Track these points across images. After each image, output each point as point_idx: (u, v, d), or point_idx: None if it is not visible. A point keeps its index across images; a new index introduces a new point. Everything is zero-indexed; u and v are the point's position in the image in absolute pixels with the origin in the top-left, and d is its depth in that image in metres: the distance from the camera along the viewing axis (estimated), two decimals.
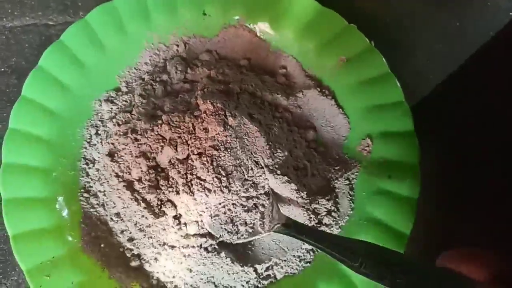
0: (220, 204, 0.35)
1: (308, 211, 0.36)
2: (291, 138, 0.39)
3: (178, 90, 0.40)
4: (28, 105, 0.37)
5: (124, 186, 0.36)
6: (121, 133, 0.37)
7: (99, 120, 0.39)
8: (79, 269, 0.34)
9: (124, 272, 0.35)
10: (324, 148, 0.40)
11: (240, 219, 0.34)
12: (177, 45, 0.42)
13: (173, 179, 0.35)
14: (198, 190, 0.34)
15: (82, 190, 0.37)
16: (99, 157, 0.38)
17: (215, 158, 0.34)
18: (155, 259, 0.35)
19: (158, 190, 0.35)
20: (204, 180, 0.34)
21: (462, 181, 0.39)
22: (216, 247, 0.36)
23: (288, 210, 0.37)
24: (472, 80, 0.44)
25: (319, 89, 0.41)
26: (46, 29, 0.45)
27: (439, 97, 0.44)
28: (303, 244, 0.36)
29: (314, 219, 0.36)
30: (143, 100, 0.39)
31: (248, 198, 0.35)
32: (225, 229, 0.34)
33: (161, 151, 0.36)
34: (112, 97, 0.40)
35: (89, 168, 0.38)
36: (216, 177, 0.34)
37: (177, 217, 0.35)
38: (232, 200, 0.34)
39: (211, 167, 0.34)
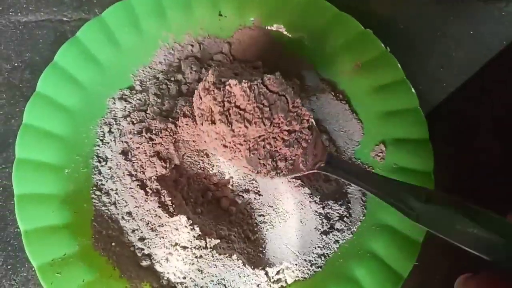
0: (259, 137, 0.32)
1: (321, 216, 0.36)
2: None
3: (192, 90, 0.40)
4: (43, 101, 0.37)
5: (138, 185, 0.35)
6: (136, 132, 0.37)
7: (113, 118, 0.39)
8: (90, 267, 0.34)
9: (134, 272, 0.35)
10: (336, 153, 0.40)
11: (280, 155, 0.32)
12: (192, 45, 0.42)
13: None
14: (236, 120, 0.31)
15: (94, 188, 0.37)
16: (112, 155, 0.38)
17: (257, 86, 0.32)
18: (166, 259, 0.35)
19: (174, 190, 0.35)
20: (244, 110, 0.31)
21: (477, 189, 0.38)
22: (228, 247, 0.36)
23: (300, 213, 0.37)
24: (486, 87, 0.44)
25: (333, 93, 0.41)
26: (61, 25, 0.45)
27: (453, 104, 0.44)
28: (315, 248, 0.36)
29: (326, 223, 0.36)
30: (158, 99, 0.39)
31: (290, 132, 0.32)
32: (263, 164, 0.32)
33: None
34: (126, 95, 0.40)
35: (102, 166, 0.38)
36: (257, 106, 0.31)
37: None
38: (273, 133, 0.32)
39: (252, 95, 0.31)
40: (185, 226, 0.34)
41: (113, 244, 0.36)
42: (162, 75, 0.41)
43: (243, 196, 0.38)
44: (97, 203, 0.37)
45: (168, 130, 0.37)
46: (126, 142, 0.37)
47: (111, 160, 0.38)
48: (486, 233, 0.24)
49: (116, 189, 0.37)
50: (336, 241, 0.37)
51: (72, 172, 0.37)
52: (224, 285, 0.35)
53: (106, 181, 0.37)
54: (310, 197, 0.36)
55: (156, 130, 0.37)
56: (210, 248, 0.35)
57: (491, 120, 0.43)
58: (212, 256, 0.35)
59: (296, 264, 0.36)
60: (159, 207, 0.35)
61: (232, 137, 0.32)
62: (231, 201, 0.38)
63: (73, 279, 0.33)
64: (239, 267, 0.35)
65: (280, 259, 0.36)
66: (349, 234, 0.37)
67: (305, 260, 0.36)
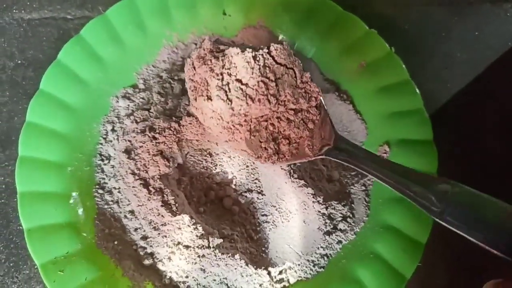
0: (262, 117, 0.28)
1: (324, 216, 0.36)
2: None
3: None
4: (46, 99, 0.37)
5: (140, 184, 0.35)
6: (139, 131, 0.37)
7: (116, 117, 0.39)
8: (93, 265, 0.34)
9: (136, 270, 0.35)
10: None
11: (283, 137, 0.29)
12: (196, 44, 0.42)
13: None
14: (237, 97, 0.27)
15: (97, 186, 0.37)
16: (115, 154, 0.38)
17: (262, 56, 0.27)
18: (169, 258, 0.35)
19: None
20: (246, 85, 0.27)
21: (482, 190, 0.38)
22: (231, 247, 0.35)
23: (303, 213, 0.37)
24: (491, 88, 0.44)
25: (337, 94, 0.41)
26: (64, 23, 0.45)
27: (457, 105, 0.43)
28: (318, 249, 0.36)
29: (329, 224, 0.36)
30: (161, 98, 0.39)
31: (296, 111, 0.28)
32: (265, 147, 0.28)
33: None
34: (129, 93, 0.40)
35: (105, 164, 0.38)
36: (262, 81, 0.27)
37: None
38: (278, 112, 0.28)
39: (257, 67, 0.27)
40: (188, 225, 0.34)
41: (115, 242, 0.36)
42: (166, 74, 0.41)
43: (246, 196, 0.38)
44: (99, 201, 0.37)
45: (172, 129, 0.37)
46: (129, 141, 0.37)
47: (114, 158, 0.38)
48: None
49: (119, 188, 0.37)
50: (339, 242, 0.37)
51: (75, 170, 0.37)
52: (227, 284, 0.35)
53: (109, 180, 0.37)
54: (313, 197, 0.36)
55: (160, 129, 0.37)
56: (213, 247, 0.35)
57: (496, 120, 0.43)
58: (215, 256, 0.34)
59: (298, 264, 0.36)
60: (162, 206, 0.35)
61: (231, 116, 0.28)
62: (234, 200, 0.38)
63: (76, 277, 0.33)
64: (241, 266, 0.35)
65: (282, 259, 0.36)
66: (352, 235, 0.37)
67: (308, 260, 0.36)
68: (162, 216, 0.35)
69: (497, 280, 0.24)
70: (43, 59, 0.43)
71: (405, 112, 0.39)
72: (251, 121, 0.28)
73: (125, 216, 0.36)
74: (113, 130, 0.39)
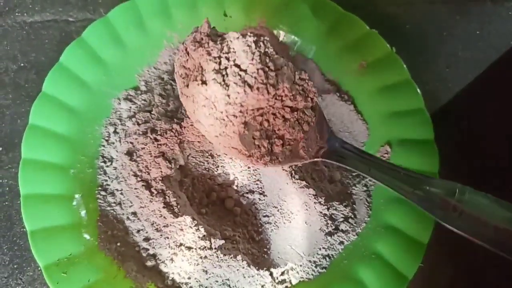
0: (258, 110, 0.26)
1: (325, 217, 0.36)
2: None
3: None
4: (48, 101, 0.37)
5: (143, 185, 0.36)
6: (141, 133, 0.37)
7: (118, 119, 0.39)
8: (95, 267, 0.34)
9: (139, 272, 0.35)
10: None
11: (278, 137, 0.27)
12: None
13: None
14: (235, 82, 0.25)
15: (99, 188, 0.37)
16: (117, 156, 0.38)
17: (263, 43, 0.26)
18: (171, 259, 0.35)
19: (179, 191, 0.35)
20: (245, 71, 0.25)
21: (483, 190, 0.38)
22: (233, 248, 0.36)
23: (305, 214, 0.37)
24: (492, 88, 0.44)
25: (338, 94, 0.41)
26: (66, 25, 0.45)
27: (459, 104, 0.43)
28: (320, 249, 0.36)
29: (331, 224, 0.36)
30: (163, 100, 0.39)
31: (293, 109, 0.27)
32: (257, 145, 0.27)
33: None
34: (131, 95, 0.40)
35: (107, 166, 0.38)
36: (262, 69, 0.25)
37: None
38: (274, 108, 0.27)
39: (258, 53, 0.25)
40: (190, 227, 0.35)
41: (118, 244, 0.36)
42: (167, 76, 0.41)
43: (247, 197, 0.38)
44: (102, 203, 0.37)
45: (173, 130, 0.37)
46: (131, 143, 0.37)
47: (116, 160, 0.38)
48: None
49: (121, 190, 0.37)
50: (341, 242, 0.37)
51: (78, 173, 0.37)
52: (229, 285, 0.35)
53: (111, 182, 0.37)
54: (315, 198, 0.36)
55: (161, 131, 0.37)
56: (215, 248, 0.35)
57: (497, 120, 0.42)
58: (217, 257, 0.35)
59: (300, 265, 0.36)
60: (164, 207, 0.35)
61: (226, 105, 0.26)
62: (236, 201, 0.38)
63: (79, 279, 0.33)
64: (243, 267, 0.35)
65: (284, 260, 0.36)
66: (354, 235, 0.37)
67: (309, 261, 0.36)
68: (164, 217, 0.35)
69: None
70: (45, 62, 0.43)
71: (406, 112, 0.39)
72: (246, 113, 0.26)
73: (128, 218, 0.37)
74: (115, 132, 0.39)
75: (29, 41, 0.44)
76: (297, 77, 0.27)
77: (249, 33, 0.26)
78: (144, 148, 0.36)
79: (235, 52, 0.25)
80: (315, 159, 0.28)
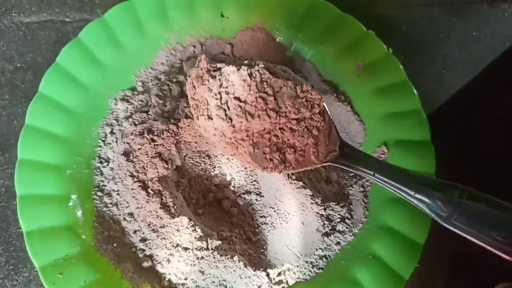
0: (264, 130, 0.28)
1: (322, 217, 0.36)
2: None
3: None
4: (45, 102, 0.37)
5: (139, 186, 0.35)
6: (137, 133, 0.37)
7: (114, 119, 0.39)
8: (92, 268, 0.34)
9: (136, 273, 0.35)
10: None
11: (288, 146, 0.29)
12: (194, 46, 0.42)
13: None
14: (236, 114, 0.27)
15: (96, 189, 0.37)
16: (113, 156, 0.38)
17: (258, 72, 0.27)
18: (168, 260, 0.35)
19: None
20: (245, 102, 0.27)
21: (480, 191, 0.38)
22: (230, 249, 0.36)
23: (301, 215, 0.37)
24: (488, 89, 0.44)
25: (335, 95, 0.41)
26: (63, 26, 0.45)
27: (455, 105, 0.43)
28: (316, 250, 0.36)
29: (328, 225, 0.36)
30: (159, 100, 0.39)
31: (299, 120, 0.28)
32: (270, 159, 0.28)
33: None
34: (128, 96, 0.40)
35: (103, 167, 0.38)
36: (260, 96, 0.27)
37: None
38: (280, 124, 0.28)
39: (254, 83, 0.27)
40: (187, 227, 0.34)
41: (114, 245, 0.36)
42: (164, 76, 0.41)
43: (244, 198, 0.38)
44: (98, 204, 0.37)
45: (170, 131, 0.37)
46: (128, 143, 0.37)
47: (113, 161, 0.38)
48: None
49: (118, 190, 0.37)
50: (338, 243, 0.37)
51: (74, 173, 0.37)
52: (226, 286, 0.35)
53: (108, 182, 0.37)
54: (311, 198, 0.36)
55: (158, 131, 0.37)
56: (212, 249, 0.35)
57: (494, 121, 0.43)
58: (214, 258, 0.35)
59: (297, 266, 0.36)
60: (160, 208, 0.35)
61: (232, 133, 0.28)
62: (233, 202, 0.38)
63: (75, 280, 0.33)
64: (240, 268, 0.35)
65: (281, 260, 0.36)
66: (350, 236, 0.37)
67: (306, 261, 0.36)
68: (161, 218, 0.35)
69: (506, 284, 0.24)
70: (42, 62, 0.43)
71: (403, 113, 0.39)
72: (253, 136, 0.28)
73: (124, 219, 0.36)
74: (112, 132, 0.39)
75: (26, 42, 0.44)
76: (298, 91, 0.28)
77: (243, 66, 0.27)
78: (140, 148, 0.36)
79: (233, 85, 0.27)
80: (325, 164, 0.29)
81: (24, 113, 0.36)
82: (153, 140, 0.36)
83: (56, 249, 0.34)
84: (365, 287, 0.35)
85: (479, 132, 0.42)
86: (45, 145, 0.36)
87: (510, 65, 0.44)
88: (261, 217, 0.38)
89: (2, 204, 0.40)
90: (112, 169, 0.38)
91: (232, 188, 0.39)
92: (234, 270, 0.35)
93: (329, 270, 0.36)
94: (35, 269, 0.34)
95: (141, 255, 0.36)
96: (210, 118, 0.29)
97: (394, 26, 0.46)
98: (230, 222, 0.38)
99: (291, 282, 0.36)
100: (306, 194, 0.36)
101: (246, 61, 0.29)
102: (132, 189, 0.36)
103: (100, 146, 0.38)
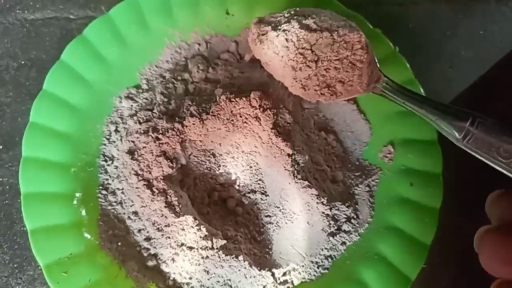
0: (309, 75, 0.32)
1: (328, 217, 0.36)
2: (311, 142, 0.39)
3: (199, 89, 0.40)
4: (49, 99, 0.37)
5: (144, 185, 0.35)
6: (142, 131, 0.37)
7: (119, 117, 0.39)
8: (96, 267, 0.34)
9: (140, 272, 0.35)
10: (344, 154, 0.40)
11: (336, 80, 0.32)
12: (199, 44, 0.42)
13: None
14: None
15: (100, 187, 0.37)
16: (118, 154, 0.38)
17: (295, 33, 0.31)
18: (172, 259, 0.35)
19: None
20: (288, 58, 0.31)
21: (487, 191, 0.38)
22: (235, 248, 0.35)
23: (307, 214, 0.36)
24: (495, 87, 0.44)
25: None
26: (67, 23, 0.45)
27: (462, 104, 0.43)
28: (322, 250, 0.36)
29: (333, 225, 0.36)
30: (164, 98, 0.39)
31: (341, 59, 0.31)
32: (321, 93, 0.32)
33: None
34: (133, 94, 0.40)
35: (108, 165, 0.38)
36: (299, 53, 0.31)
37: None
38: (324, 66, 0.31)
39: (291, 43, 0.31)
40: (192, 227, 0.34)
41: (119, 243, 0.36)
42: (169, 74, 0.40)
43: (249, 197, 0.38)
44: (103, 202, 0.37)
45: (175, 129, 0.37)
46: (133, 141, 0.37)
47: (118, 159, 0.38)
48: None
49: (122, 189, 0.37)
50: (343, 243, 0.36)
51: (79, 171, 0.37)
52: (230, 286, 0.35)
53: (113, 180, 0.37)
54: (317, 198, 0.36)
55: (163, 130, 0.36)
56: (217, 248, 0.34)
57: (501, 120, 0.42)
58: (219, 257, 0.34)
59: (302, 266, 0.36)
60: (165, 207, 0.35)
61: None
62: (238, 201, 0.38)
63: (79, 278, 0.33)
64: (245, 268, 0.35)
65: (286, 260, 0.36)
66: (356, 236, 0.37)
67: (312, 261, 0.36)
68: (166, 217, 0.35)
69: (501, 190, 0.26)
70: (46, 59, 0.43)
71: (409, 112, 0.38)
72: (301, 81, 0.32)
73: (129, 217, 0.36)
74: (116, 130, 0.38)
75: (30, 39, 0.44)
76: (335, 37, 0.31)
77: (280, 32, 0.32)
78: (145, 147, 0.36)
79: (277, 47, 0.32)
80: (368, 92, 0.33)
81: (28, 110, 0.36)
82: (158, 139, 0.36)
83: (61, 248, 0.34)
84: (371, 287, 0.34)
85: None
86: (49, 143, 0.36)
87: None
88: (266, 216, 0.38)
89: (7, 202, 0.40)
90: (116, 167, 0.37)
91: (237, 187, 0.38)
92: (239, 270, 0.35)
93: (334, 270, 0.36)
94: (40, 268, 0.33)
95: (145, 254, 0.36)
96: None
97: (400, 24, 0.46)
98: (235, 221, 0.37)
99: (296, 282, 0.36)
100: (312, 194, 0.35)
101: (287, 22, 0.32)
102: (137, 187, 0.36)
103: (105, 144, 0.38)
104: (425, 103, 0.30)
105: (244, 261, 0.34)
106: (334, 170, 0.38)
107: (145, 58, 0.41)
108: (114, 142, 0.38)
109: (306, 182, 0.35)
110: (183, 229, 0.35)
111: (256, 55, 0.35)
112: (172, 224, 0.35)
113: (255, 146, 0.36)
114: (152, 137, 0.36)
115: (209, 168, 0.38)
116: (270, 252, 0.37)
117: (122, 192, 0.37)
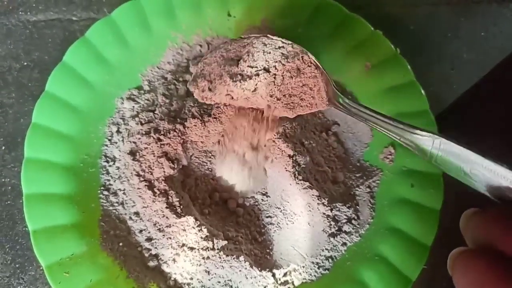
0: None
1: (328, 218, 0.36)
2: (312, 143, 0.39)
3: None
4: (52, 100, 0.37)
5: (145, 185, 0.35)
6: (144, 132, 0.37)
7: (121, 118, 0.39)
8: (98, 267, 0.34)
9: (141, 272, 0.35)
10: (345, 155, 0.40)
11: (298, 97, 0.34)
12: (201, 46, 0.42)
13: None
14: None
15: (102, 188, 0.37)
16: (119, 155, 0.38)
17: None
18: (173, 260, 0.35)
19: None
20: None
21: None
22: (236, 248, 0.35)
23: (308, 215, 0.37)
24: (497, 89, 0.44)
25: (342, 95, 0.40)
26: (70, 25, 0.45)
27: (463, 106, 0.43)
28: (323, 251, 0.36)
29: (334, 226, 0.36)
30: (166, 99, 0.39)
31: (295, 87, 0.34)
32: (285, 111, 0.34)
33: None
34: (134, 95, 0.40)
35: (110, 166, 0.38)
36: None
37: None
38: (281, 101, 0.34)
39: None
40: (193, 227, 0.34)
41: (120, 244, 0.36)
42: (171, 75, 0.41)
43: (250, 198, 0.38)
44: (104, 203, 0.37)
45: (176, 130, 0.37)
46: (134, 142, 0.37)
47: (119, 160, 0.38)
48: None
49: (124, 189, 0.37)
50: (344, 244, 0.36)
51: (81, 172, 0.37)
52: (231, 286, 0.35)
53: (114, 181, 0.37)
54: (318, 199, 0.36)
55: (164, 131, 0.37)
56: (218, 249, 0.35)
57: (502, 122, 0.42)
58: (220, 257, 0.34)
59: (303, 266, 0.36)
60: (166, 207, 0.35)
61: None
62: (239, 202, 0.38)
63: (81, 279, 0.33)
64: (246, 268, 0.35)
65: (287, 261, 0.36)
66: (357, 237, 0.37)
67: (312, 262, 0.36)
68: (167, 217, 0.35)
69: (475, 208, 0.25)
70: (48, 61, 0.43)
71: (411, 114, 0.38)
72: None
73: (130, 218, 0.36)
74: (118, 131, 0.39)
75: (33, 40, 0.44)
76: (272, 71, 0.33)
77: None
78: (147, 148, 0.36)
79: None
80: (330, 107, 0.34)
81: (30, 111, 0.36)
82: (159, 140, 0.36)
83: (62, 248, 0.34)
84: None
85: (487, 133, 0.42)
86: (51, 144, 0.36)
87: None
88: (267, 217, 0.38)
89: (9, 202, 0.40)
90: (118, 168, 0.38)
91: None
92: (240, 270, 0.35)
93: (335, 271, 0.36)
94: (41, 268, 0.34)
95: (146, 255, 0.36)
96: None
97: (401, 26, 0.46)
98: (236, 222, 0.37)
99: (297, 283, 0.36)
100: (313, 195, 0.36)
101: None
102: (138, 188, 0.36)
103: (107, 145, 0.38)
104: (392, 124, 0.31)
105: (245, 262, 0.35)
106: (335, 171, 0.39)
107: (147, 60, 0.41)
108: (116, 143, 0.38)
109: (307, 183, 0.36)
110: (184, 230, 0.35)
111: (217, 101, 0.35)
112: (173, 225, 0.35)
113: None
114: (153, 138, 0.36)
115: (210, 169, 0.38)
116: (271, 253, 0.37)
117: (124, 193, 0.37)
